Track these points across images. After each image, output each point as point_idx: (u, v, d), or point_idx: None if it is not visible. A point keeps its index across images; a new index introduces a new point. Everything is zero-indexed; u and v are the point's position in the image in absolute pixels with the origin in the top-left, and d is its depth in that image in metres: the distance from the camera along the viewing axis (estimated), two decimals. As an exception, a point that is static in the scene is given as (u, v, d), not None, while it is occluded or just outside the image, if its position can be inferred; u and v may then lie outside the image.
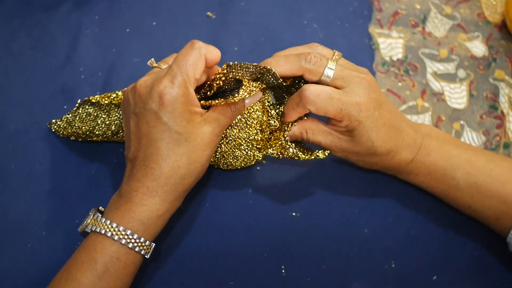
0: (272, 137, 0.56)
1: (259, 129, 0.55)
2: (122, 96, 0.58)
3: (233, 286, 0.56)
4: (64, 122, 0.62)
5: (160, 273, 0.56)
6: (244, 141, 0.55)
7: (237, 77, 0.51)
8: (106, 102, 0.59)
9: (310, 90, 0.50)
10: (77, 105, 0.61)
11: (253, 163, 0.56)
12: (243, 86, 0.50)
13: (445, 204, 0.59)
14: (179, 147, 0.48)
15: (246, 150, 0.55)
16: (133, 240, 0.47)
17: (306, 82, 0.54)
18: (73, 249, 0.53)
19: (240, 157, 0.56)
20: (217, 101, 0.49)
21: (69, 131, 0.61)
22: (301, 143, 0.57)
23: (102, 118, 0.59)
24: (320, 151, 0.54)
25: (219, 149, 0.55)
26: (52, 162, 0.62)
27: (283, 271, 0.57)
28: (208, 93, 0.51)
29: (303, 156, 0.55)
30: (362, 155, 0.54)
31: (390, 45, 0.72)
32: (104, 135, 0.59)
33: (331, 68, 0.51)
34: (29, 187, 0.60)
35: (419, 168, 0.55)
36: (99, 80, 0.67)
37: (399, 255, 0.59)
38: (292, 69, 0.52)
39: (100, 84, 0.67)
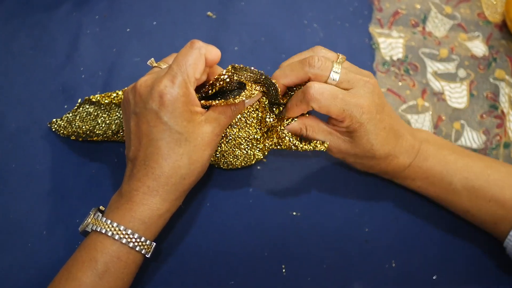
0: (269, 133, 0.56)
1: (259, 128, 0.55)
2: (123, 96, 0.58)
3: (233, 286, 0.56)
4: (65, 121, 0.62)
5: (161, 272, 0.56)
6: (244, 140, 0.55)
7: (241, 80, 0.51)
8: (106, 101, 0.59)
9: (314, 87, 0.50)
10: (77, 104, 0.62)
11: (253, 162, 0.56)
12: (245, 90, 0.50)
13: (445, 204, 0.60)
14: (179, 146, 0.48)
15: (246, 149, 0.55)
16: (133, 240, 0.47)
17: None
18: (74, 248, 0.53)
19: (240, 156, 0.56)
20: (217, 102, 0.49)
21: (69, 130, 0.61)
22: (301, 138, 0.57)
23: (102, 118, 0.59)
24: (319, 142, 0.54)
25: (219, 148, 0.55)
26: (53, 162, 0.62)
27: (284, 270, 0.57)
28: (210, 91, 0.51)
29: (301, 145, 0.54)
30: (360, 157, 0.54)
31: (391, 44, 0.72)
32: (105, 135, 0.59)
33: (336, 72, 0.51)
34: (30, 186, 0.60)
35: (416, 173, 0.55)
36: (100, 80, 0.67)
37: (400, 255, 0.59)
38: (298, 77, 0.52)
39: (100, 84, 0.67)
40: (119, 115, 0.59)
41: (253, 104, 0.54)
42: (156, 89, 0.47)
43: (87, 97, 0.60)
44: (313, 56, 0.51)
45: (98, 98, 0.59)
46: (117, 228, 0.47)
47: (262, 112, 0.54)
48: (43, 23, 0.71)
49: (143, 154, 0.48)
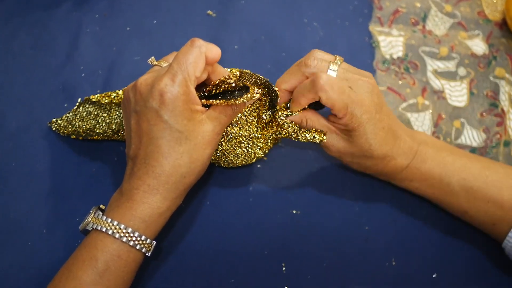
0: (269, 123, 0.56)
1: (259, 127, 0.55)
2: (122, 96, 0.58)
3: (233, 284, 0.56)
4: (65, 121, 0.62)
5: (161, 270, 0.56)
6: (244, 139, 0.55)
7: (245, 83, 0.51)
8: (106, 101, 0.59)
9: (324, 78, 0.49)
10: (77, 104, 0.62)
11: (253, 160, 0.56)
12: (248, 93, 0.50)
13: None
14: (180, 145, 0.48)
15: (247, 148, 0.55)
16: (134, 238, 0.47)
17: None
18: (74, 247, 0.53)
19: (241, 154, 0.56)
20: (218, 102, 0.49)
21: (70, 130, 0.61)
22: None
23: (102, 117, 0.59)
24: (317, 132, 0.54)
25: (220, 147, 0.55)
26: (53, 161, 0.62)
27: (284, 269, 0.57)
28: (213, 91, 0.51)
29: (300, 132, 0.54)
30: (357, 157, 0.54)
31: (391, 43, 0.72)
32: (105, 134, 0.59)
33: (333, 70, 0.51)
34: (30, 185, 0.60)
35: (414, 175, 0.55)
36: (100, 79, 0.67)
37: (400, 253, 0.59)
38: (297, 79, 0.52)
39: (100, 82, 0.67)
40: (119, 114, 0.59)
41: (253, 103, 0.54)
42: (156, 87, 0.47)
43: (87, 97, 0.60)
44: (309, 56, 0.51)
45: (98, 98, 0.59)
46: (117, 227, 0.47)
47: (262, 111, 0.54)
48: (43, 22, 0.71)
49: (143, 153, 0.48)
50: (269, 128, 0.55)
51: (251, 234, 0.59)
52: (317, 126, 0.54)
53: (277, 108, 0.54)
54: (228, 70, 0.55)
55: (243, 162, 0.56)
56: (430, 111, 0.67)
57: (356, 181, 0.62)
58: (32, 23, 0.70)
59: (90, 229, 0.49)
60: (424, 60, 0.71)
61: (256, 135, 0.55)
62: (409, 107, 0.67)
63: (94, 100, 0.59)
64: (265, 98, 0.53)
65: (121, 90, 0.59)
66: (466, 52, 0.72)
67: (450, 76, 0.70)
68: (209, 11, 0.73)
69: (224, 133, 0.54)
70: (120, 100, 0.58)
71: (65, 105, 0.65)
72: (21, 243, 0.57)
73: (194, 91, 0.48)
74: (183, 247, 0.58)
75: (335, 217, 0.60)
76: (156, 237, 0.50)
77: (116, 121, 0.58)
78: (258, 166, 0.62)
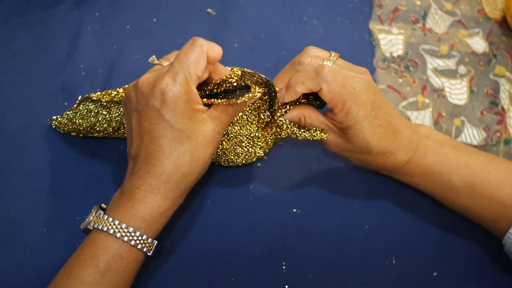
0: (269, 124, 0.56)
1: (259, 126, 0.55)
2: (123, 94, 0.58)
3: (234, 283, 0.56)
4: (65, 118, 0.62)
5: (161, 270, 0.56)
6: (245, 138, 0.55)
7: (246, 82, 0.51)
8: (106, 99, 0.59)
9: (329, 69, 0.49)
10: (77, 101, 0.61)
11: (254, 159, 0.56)
12: (249, 92, 0.50)
13: (445, 201, 0.60)
14: (181, 144, 0.48)
15: (248, 147, 0.55)
16: (135, 238, 0.47)
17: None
18: (74, 246, 0.53)
19: (242, 154, 0.56)
20: (219, 101, 0.49)
21: (70, 127, 0.61)
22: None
23: (103, 115, 0.59)
24: (318, 130, 0.54)
25: (220, 146, 0.55)
26: (53, 160, 0.62)
27: (284, 267, 0.57)
28: (215, 90, 0.51)
29: (300, 132, 0.54)
30: (356, 153, 0.54)
31: (391, 41, 0.72)
32: (105, 132, 0.59)
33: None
34: (30, 185, 0.60)
35: (414, 170, 0.55)
36: (100, 78, 0.67)
37: (400, 252, 0.59)
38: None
39: (100, 81, 0.67)
40: (119, 113, 0.59)
41: (254, 102, 0.54)
42: (158, 86, 0.47)
43: (87, 95, 0.60)
44: (302, 54, 0.51)
45: (99, 96, 0.59)
46: (118, 226, 0.47)
47: (261, 111, 0.54)
48: (43, 21, 0.71)
49: (144, 152, 0.48)
50: (268, 129, 0.55)
51: (251, 233, 0.59)
52: (315, 124, 0.54)
53: (275, 108, 0.54)
54: (229, 69, 0.54)
55: (244, 161, 0.56)
56: (430, 109, 0.67)
57: (356, 180, 0.62)
58: (32, 23, 0.70)
59: (91, 228, 0.49)
60: (424, 58, 0.71)
61: (256, 134, 0.55)
62: (409, 105, 0.67)
63: (94, 98, 0.59)
64: (266, 98, 0.53)
65: (121, 88, 0.59)
66: (466, 50, 0.72)
67: (450, 74, 0.70)
68: (209, 10, 0.73)
69: (224, 132, 0.54)
70: (120, 98, 0.58)
71: (65, 104, 0.65)
72: (21, 243, 0.57)
73: (195, 90, 0.48)
74: (183, 246, 0.58)
75: (335, 216, 0.60)
76: (157, 237, 0.50)
77: (116, 119, 0.58)
78: (258, 165, 0.62)
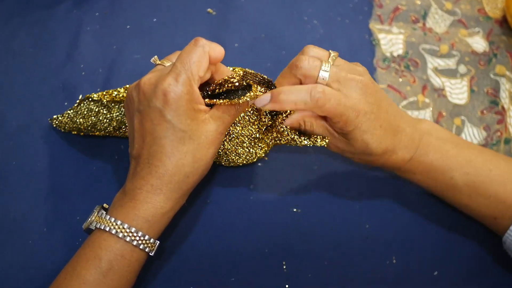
0: (269, 128, 0.56)
1: (260, 127, 0.55)
2: (124, 93, 0.58)
3: (234, 283, 0.56)
4: (66, 118, 0.61)
5: (163, 270, 0.56)
6: (246, 139, 0.55)
7: (248, 82, 0.51)
8: (107, 99, 0.59)
9: (324, 91, 0.48)
10: (78, 101, 0.61)
11: (255, 160, 0.56)
12: (251, 91, 0.50)
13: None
14: (183, 145, 0.48)
15: (249, 148, 0.55)
16: (137, 238, 0.47)
17: None
18: (74, 246, 0.54)
19: (243, 154, 0.56)
20: (221, 101, 0.49)
21: (71, 126, 0.61)
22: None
23: (103, 114, 0.59)
24: (319, 137, 0.54)
25: (222, 146, 0.55)
26: (53, 160, 0.62)
27: (284, 267, 0.57)
28: (217, 90, 0.51)
29: (300, 140, 0.54)
30: (357, 154, 0.54)
31: (391, 41, 0.72)
32: (106, 130, 0.59)
33: (325, 70, 0.49)
34: (30, 184, 0.60)
35: (416, 168, 0.54)
36: (100, 77, 0.67)
37: (400, 251, 0.59)
38: (290, 82, 0.51)
39: (100, 81, 0.67)
40: (120, 112, 0.59)
41: None
42: (160, 87, 0.46)
43: (88, 95, 0.60)
44: (300, 57, 0.50)
45: (100, 96, 0.59)
46: (121, 226, 0.47)
47: (262, 113, 0.54)
48: (43, 21, 0.71)
49: (146, 152, 0.48)
50: (269, 134, 0.55)
51: (251, 233, 0.59)
52: (316, 129, 0.53)
53: (276, 111, 0.54)
54: (231, 69, 0.54)
55: (244, 162, 0.56)
56: (431, 108, 0.67)
57: (356, 179, 0.62)
58: (32, 22, 0.70)
59: (93, 228, 0.49)
60: (425, 58, 0.71)
61: (258, 136, 0.55)
62: (409, 105, 0.67)
63: (95, 98, 0.59)
64: None
65: (122, 88, 0.59)
66: (467, 49, 0.72)
67: (450, 73, 0.70)
68: (209, 9, 0.73)
69: (226, 133, 0.54)
70: (121, 98, 0.58)
71: (65, 104, 0.65)
72: (22, 242, 0.57)
73: (197, 90, 0.48)
74: (184, 246, 0.58)
75: (335, 215, 0.60)
76: (158, 237, 0.50)
77: (117, 118, 0.58)
78: (259, 164, 0.62)
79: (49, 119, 0.63)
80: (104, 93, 0.59)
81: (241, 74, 0.50)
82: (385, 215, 0.61)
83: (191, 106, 0.47)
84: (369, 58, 0.70)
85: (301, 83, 0.51)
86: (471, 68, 0.70)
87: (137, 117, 0.49)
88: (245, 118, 0.54)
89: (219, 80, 0.50)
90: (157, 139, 0.47)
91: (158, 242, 0.50)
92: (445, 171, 0.54)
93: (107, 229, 0.47)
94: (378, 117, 0.50)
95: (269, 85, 0.51)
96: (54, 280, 0.48)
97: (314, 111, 0.50)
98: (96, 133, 0.59)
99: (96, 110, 0.60)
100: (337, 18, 0.73)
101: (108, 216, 0.48)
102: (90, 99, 0.60)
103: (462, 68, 0.70)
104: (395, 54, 0.71)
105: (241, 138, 0.55)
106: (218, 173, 0.62)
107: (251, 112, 0.54)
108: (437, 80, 0.69)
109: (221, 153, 0.55)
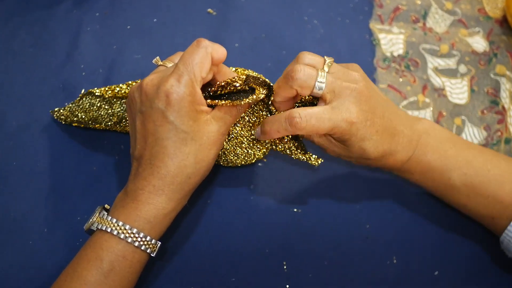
0: None
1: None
2: (126, 90, 0.58)
3: (234, 283, 0.57)
4: (67, 111, 0.61)
5: (163, 270, 0.56)
6: (245, 139, 0.55)
7: (250, 85, 0.51)
8: (109, 95, 0.58)
9: (300, 116, 0.49)
10: (80, 95, 0.61)
11: (253, 161, 0.56)
12: (253, 95, 0.50)
13: (446, 200, 0.60)
14: (185, 146, 0.48)
15: (247, 149, 0.55)
16: (139, 239, 0.47)
17: None
18: (75, 246, 0.54)
19: (241, 155, 0.56)
20: (223, 102, 0.49)
21: (72, 119, 0.61)
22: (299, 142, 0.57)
23: (105, 109, 0.59)
24: (314, 156, 0.54)
25: None
26: (54, 159, 0.62)
27: (285, 267, 0.58)
28: (219, 91, 0.51)
29: (295, 152, 0.54)
30: (355, 158, 0.54)
31: (391, 40, 0.72)
32: (107, 124, 0.59)
33: (321, 82, 0.49)
34: (31, 184, 0.60)
35: (414, 168, 0.54)
36: (100, 77, 0.67)
37: (401, 251, 0.59)
38: (286, 93, 0.51)
39: (100, 81, 0.67)
40: (122, 108, 0.59)
41: (256, 103, 0.54)
42: (162, 88, 0.47)
43: (90, 90, 0.60)
44: (295, 67, 0.49)
45: (102, 92, 0.59)
46: (122, 227, 0.47)
47: (263, 115, 0.54)
48: (43, 21, 0.70)
49: (148, 153, 0.48)
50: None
51: (252, 233, 0.59)
52: (312, 136, 0.53)
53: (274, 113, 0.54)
54: (233, 69, 0.54)
55: (243, 163, 0.56)
56: (431, 108, 0.67)
57: (357, 179, 0.62)
58: (32, 22, 0.70)
59: (95, 229, 0.49)
60: (425, 58, 0.71)
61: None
62: (409, 105, 0.67)
63: (97, 93, 0.59)
64: (267, 100, 0.53)
65: (124, 84, 0.59)
66: (467, 49, 0.72)
67: (450, 73, 0.70)
68: (209, 10, 0.73)
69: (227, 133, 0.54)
70: (123, 94, 0.58)
71: (66, 103, 0.65)
72: (22, 243, 0.57)
73: (200, 91, 0.48)
74: (184, 246, 0.58)
75: (336, 215, 0.60)
76: (160, 238, 0.50)
77: (118, 114, 0.58)
78: (259, 165, 0.62)
79: (50, 111, 0.63)
80: (107, 88, 0.59)
81: (244, 79, 0.50)
82: (385, 215, 0.61)
83: (193, 107, 0.47)
84: (370, 58, 0.70)
85: (297, 94, 0.51)
86: (471, 68, 0.70)
87: (139, 118, 0.49)
88: (244, 119, 0.54)
89: (221, 82, 0.50)
90: (159, 140, 0.47)
91: (160, 243, 0.50)
92: (443, 171, 0.54)
93: (109, 230, 0.47)
94: (373, 123, 0.50)
95: (270, 88, 0.51)
96: (55, 281, 0.48)
97: (307, 132, 0.50)
98: (96, 126, 0.59)
99: (98, 105, 0.60)
100: (337, 18, 0.73)
101: (110, 217, 0.48)
102: (92, 94, 0.60)
103: (462, 68, 0.70)
104: (395, 54, 0.71)
105: (240, 139, 0.55)
106: (218, 173, 0.62)
107: (251, 113, 0.54)
108: (437, 80, 0.69)
109: (220, 153, 0.55)
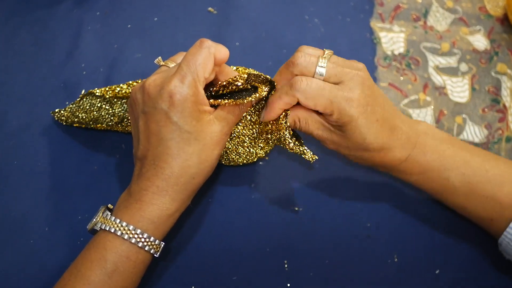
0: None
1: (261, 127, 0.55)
2: (127, 90, 0.58)
3: (235, 282, 0.56)
4: (67, 112, 0.61)
5: (164, 269, 0.56)
6: (247, 138, 0.55)
7: (251, 83, 0.51)
8: (110, 95, 0.58)
9: (301, 78, 0.49)
10: (80, 95, 0.61)
11: (255, 160, 0.56)
12: (256, 93, 0.50)
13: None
14: (189, 146, 0.48)
15: (249, 147, 0.55)
16: (143, 239, 0.47)
17: None
18: (76, 245, 0.54)
19: (243, 153, 0.56)
20: (226, 101, 0.49)
21: (72, 120, 0.61)
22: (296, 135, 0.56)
23: (105, 110, 0.59)
24: (309, 151, 0.53)
25: None
26: (55, 158, 0.62)
27: (286, 266, 0.57)
28: (221, 91, 0.51)
29: (291, 141, 0.53)
30: (353, 150, 0.53)
31: (392, 39, 0.72)
32: (108, 124, 0.59)
33: (322, 66, 0.49)
34: (31, 183, 0.60)
35: (413, 168, 0.54)
36: (101, 76, 0.67)
37: (402, 249, 0.59)
38: (286, 79, 0.51)
39: (101, 80, 0.67)
40: (122, 108, 0.59)
41: (258, 102, 0.54)
42: (166, 88, 0.47)
43: (91, 90, 0.60)
44: (296, 54, 0.50)
45: (103, 92, 0.59)
46: (126, 228, 0.47)
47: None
48: (44, 20, 0.71)
49: (152, 154, 0.48)
50: (262, 126, 0.54)
51: (253, 232, 0.59)
52: (311, 125, 0.53)
53: None
54: (234, 68, 0.54)
55: (244, 161, 0.56)
56: (432, 107, 0.67)
57: (358, 178, 0.62)
58: (33, 22, 0.70)
59: (98, 229, 0.49)
60: (426, 56, 0.71)
61: (258, 135, 0.55)
62: (410, 103, 0.67)
63: (98, 94, 0.59)
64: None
65: (125, 84, 0.59)
66: (468, 47, 0.72)
67: (451, 72, 0.70)
68: (210, 8, 0.72)
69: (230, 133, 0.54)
70: (124, 94, 0.58)
71: (67, 102, 0.65)
72: (23, 242, 0.57)
73: (203, 92, 0.48)
74: (184, 246, 0.58)
75: (337, 214, 0.60)
76: (163, 238, 0.50)
77: (119, 114, 0.58)
78: (260, 163, 0.62)
79: (51, 112, 0.63)
80: (107, 88, 0.59)
81: (245, 78, 0.50)
82: (386, 213, 0.61)
83: (196, 107, 0.47)
84: (370, 56, 0.70)
85: None
86: (472, 66, 0.70)
87: (142, 118, 0.49)
88: (246, 118, 0.54)
89: (223, 82, 0.50)
90: (163, 141, 0.47)
91: (163, 243, 0.50)
92: (442, 171, 0.53)
93: (112, 230, 0.47)
94: (374, 110, 0.50)
95: (271, 85, 0.51)
96: (58, 281, 0.48)
97: (304, 104, 0.50)
98: (98, 126, 0.59)
99: (99, 105, 0.60)
100: (338, 17, 0.73)
101: (113, 217, 0.48)
102: (92, 95, 0.60)
103: (463, 66, 0.70)
104: (396, 52, 0.71)
105: (242, 138, 0.55)
106: (219, 172, 0.62)
107: (253, 111, 0.54)
108: (438, 78, 0.69)
109: (222, 152, 0.55)
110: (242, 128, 0.54)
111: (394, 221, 0.60)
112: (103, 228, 0.48)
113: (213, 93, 0.51)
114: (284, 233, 0.59)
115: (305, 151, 0.53)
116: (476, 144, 0.65)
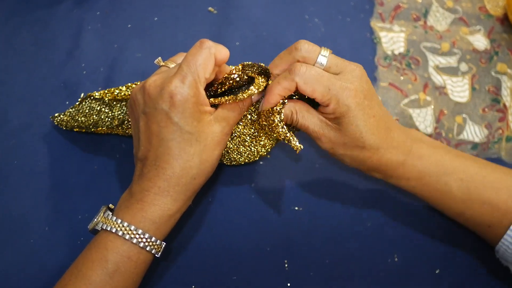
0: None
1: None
2: (126, 92, 0.58)
3: (236, 281, 0.57)
4: (67, 116, 0.61)
5: (164, 269, 0.56)
6: (248, 137, 0.55)
7: (249, 74, 0.51)
8: (109, 97, 0.58)
9: (301, 64, 0.49)
10: (79, 99, 0.61)
11: (256, 158, 0.56)
12: (254, 84, 0.50)
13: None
14: (190, 146, 0.48)
15: (250, 146, 0.55)
16: (144, 240, 0.47)
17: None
18: (76, 245, 0.54)
19: (244, 153, 0.56)
20: (226, 98, 0.49)
21: (72, 124, 0.61)
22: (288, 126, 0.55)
23: (105, 113, 0.59)
24: (296, 140, 0.51)
25: None
26: (55, 159, 0.62)
27: (286, 265, 0.58)
28: (219, 90, 0.51)
29: (279, 127, 0.51)
30: (350, 148, 0.52)
31: (392, 39, 0.72)
32: (108, 128, 0.59)
33: (324, 55, 0.50)
34: (32, 183, 0.60)
35: (411, 172, 0.53)
36: (101, 76, 0.67)
37: (402, 249, 0.59)
38: (288, 63, 0.51)
39: (102, 80, 0.67)
40: (122, 111, 0.59)
41: (258, 100, 0.53)
42: (166, 89, 0.46)
43: (89, 93, 0.60)
44: (299, 41, 0.50)
45: (102, 94, 0.59)
46: (127, 228, 0.47)
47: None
48: (44, 19, 0.71)
49: (153, 155, 0.48)
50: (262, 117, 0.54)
51: (253, 231, 0.59)
52: (307, 120, 0.52)
53: None
54: (232, 67, 0.54)
55: (246, 160, 0.56)
56: (432, 106, 0.67)
57: (358, 177, 0.62)
58: (33, 21, 0.70)
59: (99, 229, 0.49)
60: (426, 56, 0.71)
61: (259, 133, 0.55)
62: (411, 103, 0.67)
63: (97, 96, 0.59)
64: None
65: (124, 87, 0.59)
66: (468, 47, 0.72)
67: (451, 71, 0.70)
68: (210, 8, 0.72)
69: (231, 133, 0.54)
70: (123, 96, 0.58)
71: (67, 102, 0.65)
72: (23, 242, 0.57)
73: (203, 92, 0.48)
74: (185, 245, 0.58)
75: (337, 213, 0.60)
76: (164, 238, 0.50)
77: (119, 117, 0.58)
78: (261, 163, 0.62)
79: (50, 116, 0.63)
80: (106, 91, 0.59)
81: (240, 68, 0.50)
82: (386, 213, 0.61)
83: (197, 108, 0.47)
84: (371, 56, 0.70)
85: None
86: (472, 66, 0.70)
87: (142, 119, 0.49)
88: (247, 117, 0.54)
89: (220, 79, 0.50)
90: (164, 141, 0.47)
91: (165, 243, 0.50)
92: (440, 176, 0.53)
93: (114, 230, 0.47)
94: (372, 105, 0.50)
95: (267, 74, 0.51)
96: (59, 281, 0.48)
97: (301, 89, 0.49)
98: (98, 129, 0.59)
99: (98, 108, 0.60)
100: (338, 17, 0.73)
101: (115, 218, 0.48)
102: (91, 98, 0.60)
103: (464, 66, 0.70)
104: (396, 52, 0.71)
105: (243, 137, 0.55)
106: (220, 171, 0.62)
107: (253, 110, 0.54)
108: (438, 78, 0.69)
109: (223, 152, 0.55)
110: (243, 127, 0.54)
111: (395, 221, 0.60)
112: (104, 228, 0.48)
113: (212, 93, 0.51)
114: (284, 232, 0.59)
115: (291, 138, 0.52)
116: (476, 144, 0.65)
